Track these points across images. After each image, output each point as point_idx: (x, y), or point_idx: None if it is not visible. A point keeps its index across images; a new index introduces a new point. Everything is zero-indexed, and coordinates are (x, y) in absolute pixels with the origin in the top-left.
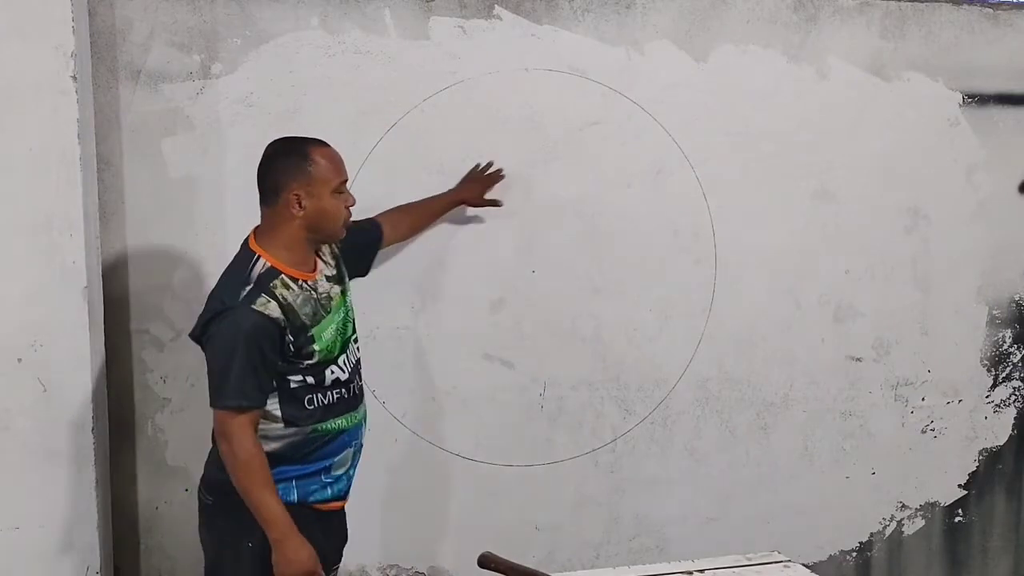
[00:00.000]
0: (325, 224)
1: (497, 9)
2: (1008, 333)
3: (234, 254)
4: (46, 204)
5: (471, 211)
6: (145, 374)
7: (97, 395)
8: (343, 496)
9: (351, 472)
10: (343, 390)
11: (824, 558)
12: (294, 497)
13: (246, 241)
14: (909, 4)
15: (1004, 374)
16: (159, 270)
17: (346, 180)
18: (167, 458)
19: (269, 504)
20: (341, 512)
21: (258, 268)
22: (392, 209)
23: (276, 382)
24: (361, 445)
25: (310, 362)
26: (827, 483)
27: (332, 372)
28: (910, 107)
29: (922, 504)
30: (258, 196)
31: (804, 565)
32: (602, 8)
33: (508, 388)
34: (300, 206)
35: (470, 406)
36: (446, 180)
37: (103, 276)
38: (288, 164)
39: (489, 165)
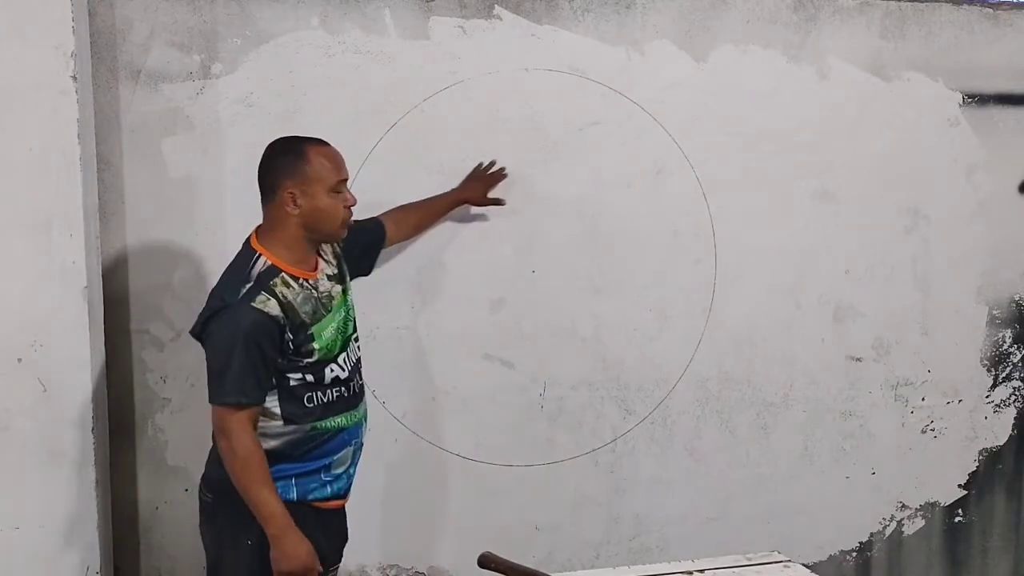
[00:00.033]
0: (321, 223)
1: (497, 9)
2: (1008, 333)
3: (235, 254)
4: (46, 204)
5: (471, 211)
6: (145, 374)
7: (97, 395)
8: (343, 495)
9: (351, 471)
10: (343, 388)
11: (824, 558)
12: (293, 495)
13: (248, 240)
14: (909, 4)
15: (1004, 374)
16: (159, 270)
17: (344, 179)
18: (167, 458)
19: (267, 500)
20: (341, 511)
21: (259, 266)
22: (395, 208)
23: (275, 380)
24: (361, 444)
25: (309, 360)
26: (827, 483)
27: (332, 370)
28: (910, 107)
29: (922, 504)
30: (260, 196)
31: (804, 565)
32: (602, 8)
33: (508, 388)
34: (295, 204)
35: (470, 406)
36: (446, 180)
37: (103, 276)
38: (285, 163)
39: (492, 164)
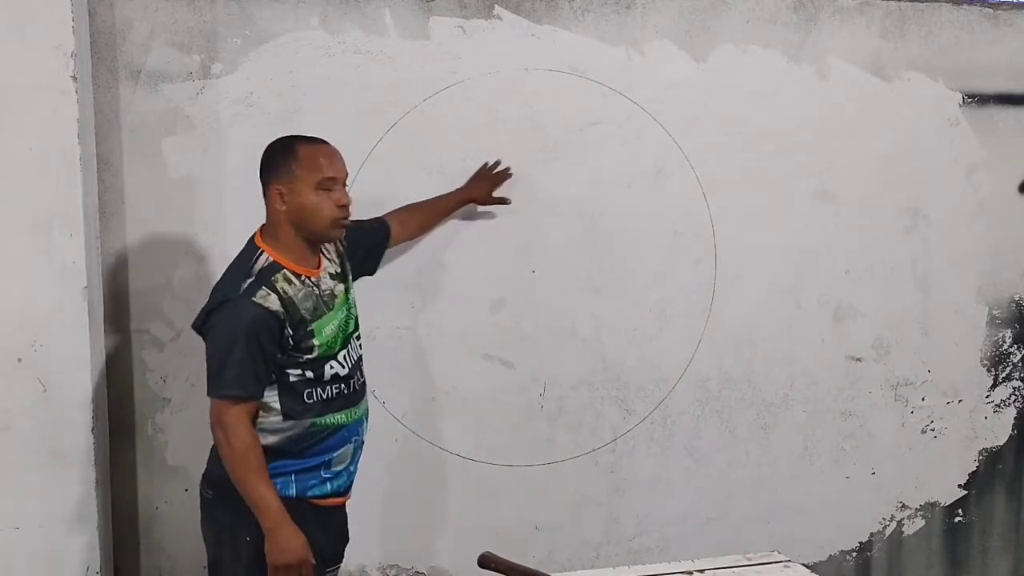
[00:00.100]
0: (307, 220)
1: (497, 9)
2: (1008, 333)
3: (235, 253)
4: (46, 204)
5: (471, 211)
6: (145, 374)
7: (97, 395)
8: (343, 492)
9: (352, 468)
10: (343, 385)
11: (824, 558)
12: (292, 491)
13: (252, 237)
14: (909, 4)
15: (1004, 374)
16: (159, 270)
17: (333, 177)
18: (167, 458)
19: (262, 493)
20: (342, 509)
21: (260, 262)
22: (400, 208)
23: (275, 375)
24: (362, 442)
25: (309, 356)
26: (827, 483)
27: (332, 367)
28: (910, 107)
29: (922, 504)
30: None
31: (804, 565)
32: (602, 8)
33: (508, 388)
34: (283, 201)
35: (470, 406)
36: (446, 180)
37: (103, 276)
38: (275, 161)
39: (497, 163)
